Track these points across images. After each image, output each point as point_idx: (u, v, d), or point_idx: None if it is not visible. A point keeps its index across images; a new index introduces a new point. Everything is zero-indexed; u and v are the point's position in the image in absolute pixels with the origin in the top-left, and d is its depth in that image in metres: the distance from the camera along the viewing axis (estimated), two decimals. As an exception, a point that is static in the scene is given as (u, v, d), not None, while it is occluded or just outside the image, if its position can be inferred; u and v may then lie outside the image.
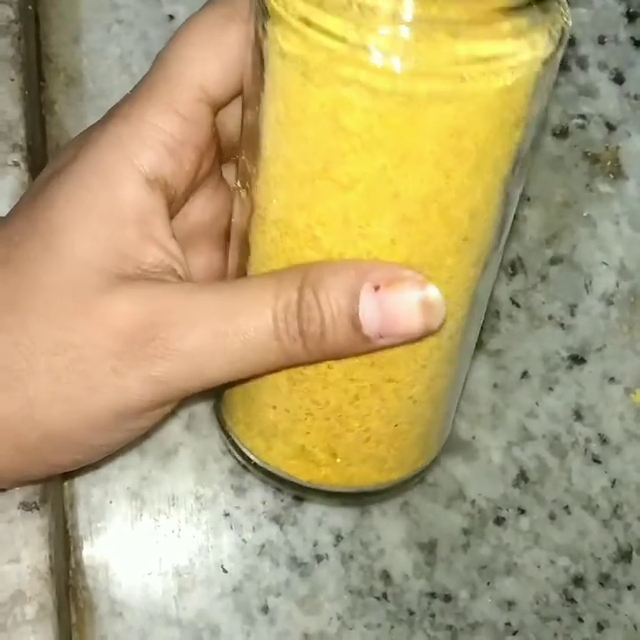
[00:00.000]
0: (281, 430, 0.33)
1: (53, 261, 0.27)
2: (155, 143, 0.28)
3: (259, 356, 0.27)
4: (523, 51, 0.24)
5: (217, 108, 0.29)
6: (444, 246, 0.27)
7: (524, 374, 0.42)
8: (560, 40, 0.25)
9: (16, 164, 0.37)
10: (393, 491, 0.35)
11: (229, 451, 0.38)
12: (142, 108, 0.28)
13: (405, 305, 0.26)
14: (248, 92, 0.28)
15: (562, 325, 0.43)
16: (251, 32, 0.27)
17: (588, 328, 0.43)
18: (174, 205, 0.30)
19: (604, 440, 0.42)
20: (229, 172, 0.33)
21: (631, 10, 0.46)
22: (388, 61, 0.23)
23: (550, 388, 0.43)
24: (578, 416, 0.42)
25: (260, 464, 0.34)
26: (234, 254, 0.32)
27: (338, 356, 0.28)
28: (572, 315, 0.43)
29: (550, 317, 0.43)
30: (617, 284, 0.44)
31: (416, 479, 0.35)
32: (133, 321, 0.27)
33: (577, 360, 0.43)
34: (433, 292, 0.26)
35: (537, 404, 0.42)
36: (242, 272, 0.31)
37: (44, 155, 0.40)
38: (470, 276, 0.29)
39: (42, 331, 0.27)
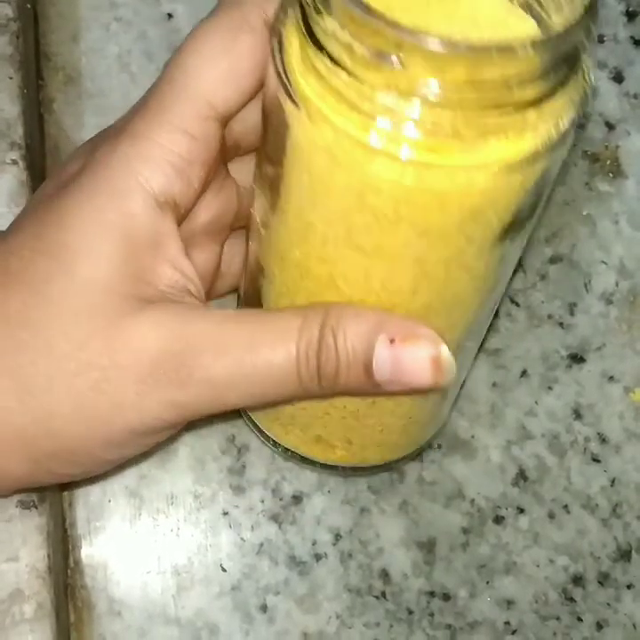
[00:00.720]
0: (298, 422, 0.34)
1: (71, 283, 0.27)
2: (163, 165, 0.28)
3: (278, 387, 0.28)
4: (544, 130, 0.24)
5: (226, 121, 0.29)
6: (463, 291, 0.28)
7: (524, 373, 0.42)
8: (581, 103, 0.25)
9: (14, 162, 0.37)
10: (403, 461, 0.39)
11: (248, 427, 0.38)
12: (150, 127, 0.28)
13: (417, 362, 0.27)
14: (268, 144, 0.28)
15: (561, 324, 0.43)
16: (270, 88, 0.26)
17: (588, 327, 0.43)
18: (181, 217, 0.30)
19: (603, 439, 0.42)
20: (236, 170, 0.33)
21: (630, 8, 0.46)
22: (411, 156, 0.23)
23: (549, 387, 0.42)
24: (577, 415, 0.42)
25: (280, 442, 0.36)
26: (248, 273, 0.32)
27: (349, 394, 0.29)
28: (572, 314, 0.43)
29: (550, 316, 0.43)
30: (616, 283, 0.44)
31: (425, 447, 0.40)
32: (160, 346, 0.27)
33: (576, 359, 0.43)
34: (445, 353, 0.27)
35: (536, 402, 0.42)
36: (256, 291, 0.31)
37: (42, 153, 0.40)
38: (484, 302, 0.30)
39: (65, 351, 0.27)
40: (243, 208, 0.33)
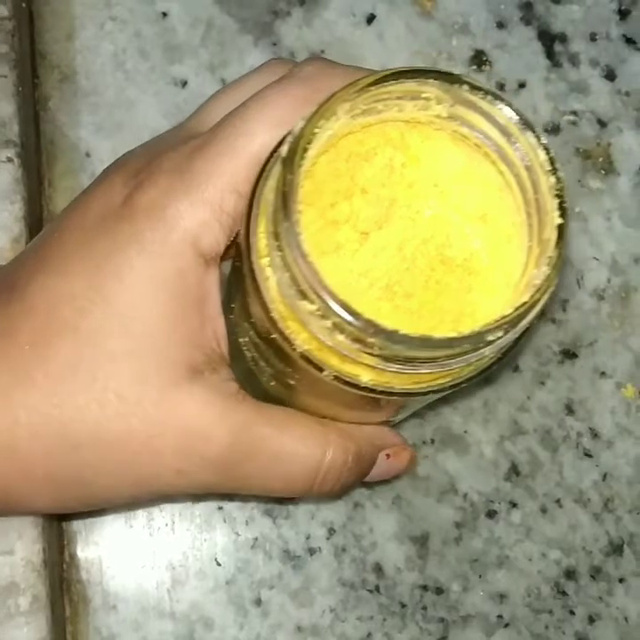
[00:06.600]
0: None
1: (128, 343, 0.28)
2: (214, 225, 0.28)
3: (289, 492, 0.32)
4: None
5: None
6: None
7: (516, 369, 0.43)
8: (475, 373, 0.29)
9: (9, 160, 0.37)
10: None
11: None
12: (203, 184, 0.28)
13: (399, 463, 0.34)
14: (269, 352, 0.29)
15: (553, 320, 0.43)
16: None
17: (580, 323, 0.43)
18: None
19: (595, 434, 0.43)
20: None
21: (623, 7, 0.46)
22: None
23: (542, 383, 0.43)
24: (569, 410, 0.43)
25: None
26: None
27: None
28: (564, 310, 0.43)
29: (542, 312, 0.43)
30: (608, 280, 0.44)
31: None
32: (202, 432, 0.29)
33: (568, 355, 0.43)
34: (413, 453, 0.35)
35: (529, 398, 0.43)
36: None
37: (37, 151, 0.41)
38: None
39: (114, 411, 0.28)
40: None
